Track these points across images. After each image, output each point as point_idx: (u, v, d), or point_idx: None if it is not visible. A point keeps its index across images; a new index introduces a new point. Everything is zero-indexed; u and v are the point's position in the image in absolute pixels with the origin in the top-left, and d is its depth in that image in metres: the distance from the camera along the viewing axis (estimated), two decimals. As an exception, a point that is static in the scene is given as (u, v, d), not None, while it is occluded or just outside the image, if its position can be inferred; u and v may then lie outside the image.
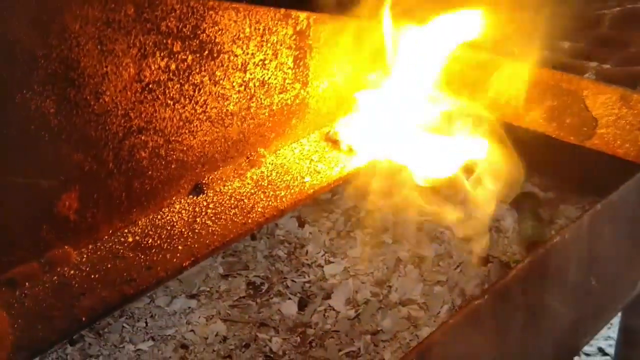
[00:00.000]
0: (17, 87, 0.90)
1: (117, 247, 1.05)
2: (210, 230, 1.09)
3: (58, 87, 0.94)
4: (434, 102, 1.33)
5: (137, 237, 1.07)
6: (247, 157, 1.20)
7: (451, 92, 1.31)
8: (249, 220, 1.10)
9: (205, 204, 1.14)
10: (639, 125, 1.15)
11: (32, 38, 0.90)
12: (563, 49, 1.35)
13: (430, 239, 1.79)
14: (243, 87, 1.16)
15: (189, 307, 1.61)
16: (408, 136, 1.31)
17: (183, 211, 1.13)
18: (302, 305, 1.60)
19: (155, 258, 1.03)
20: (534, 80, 1.24)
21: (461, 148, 1.36)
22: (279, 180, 1.20)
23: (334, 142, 1.28)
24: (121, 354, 1.54)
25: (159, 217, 1.11)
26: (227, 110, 1.15)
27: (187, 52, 1.06)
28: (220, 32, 1.09)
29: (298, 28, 1.19)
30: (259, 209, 1.13)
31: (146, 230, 1.08)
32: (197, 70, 1.08)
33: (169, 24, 1.02)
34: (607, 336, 2.66)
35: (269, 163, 1.24)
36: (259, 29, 1.14)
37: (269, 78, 1.19)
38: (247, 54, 1.14)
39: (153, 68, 1.03)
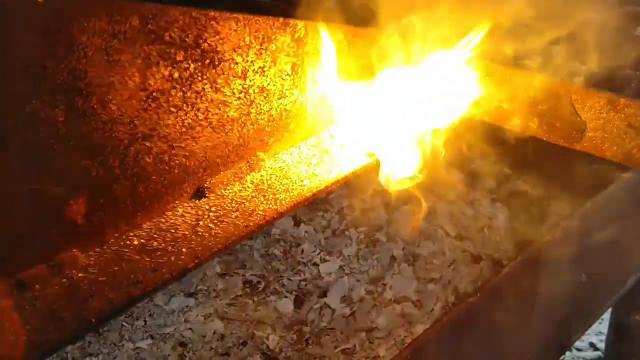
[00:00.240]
0: (28, 97, 0.94)
1: (123, 250, 1.08)
2: (212, 233, 1.13)
3: (67, 96, 0.98)
4: (426, 105, 1.38)
5: (142, 240, 1.10)
6: (247, 162, 1.24)
7: (444, 97, 1.35)
8: (250, 223, 1.13)
9: (207, 207, 1.17)
10: (626, 129, 1.18)
11: (41, 50, 0.93)
12: (553, 52, 1.39)
13: (423, 237, 1.82)
14: (243, 93, 1.19)
15: (187, 306, 1.64)
16: (398, 137, 1.35)
17: (186, 214, 1.16)
18: (298, 303, 1.64)
19: (160, 260, 1.07)
20: (525, 84, 1.28)
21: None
22: (278, 183, 1.23)
23: (332, 146, 1.32)
24: (120, 352, 1.57)
25: (163, 220, 1.14)
26: (228, 116, 1.18)
27: (190, 61, 1.09)
28: (221, 41, 1.12)
29: (296, 36, 1.23)
30: (260, 212, 1.17)
31: (151, 234, 1.11)
32: (199, 78, 1.11)
33: (172, 34, 1.06)
34: (599, 331, 2.70)
35: (269, 167, 1.27)
36: (258, 38, 1.17)
37: (268, 84, 1.22)
38: (247, 61, 1.17)
39: (157, 77, 1.06)
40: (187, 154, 1.15)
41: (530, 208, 1.87)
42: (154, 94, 1.07)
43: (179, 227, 1.14)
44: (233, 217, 1.16)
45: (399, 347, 1.56)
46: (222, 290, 1.70)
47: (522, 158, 1.86)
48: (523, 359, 1.66)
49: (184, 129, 1.13)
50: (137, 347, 1.59)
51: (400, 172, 1.39)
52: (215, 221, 1.15)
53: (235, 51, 1.15)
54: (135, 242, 1.10)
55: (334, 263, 1.75)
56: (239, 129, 1.21)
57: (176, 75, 1.08)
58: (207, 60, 1.12)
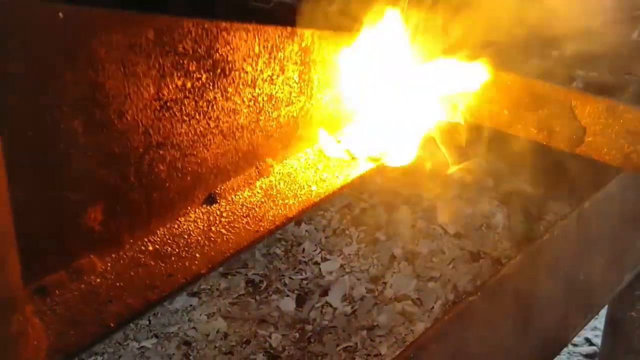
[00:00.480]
0: (49, 110, 0.98)
1: (138, 255, 1.12)
2: (225, 239, 1.17)
3: (85, 108, 1.02)
4: (430, 110, 1.42)
5: (157, 246, 1.14)
6: (257, 167, 1.28)
7: (447, 102, 1.40)
8: (261, 228, 1.18)
9: (218, 213, 1.22)
10: (624, 134, 1.23)
11: (62, 64, 0.98)
12: (551, 57, 1.44)
13: (423, 236, 1.87)
14: (252, 101, 1.24)
15: (191, 305, 1.65)
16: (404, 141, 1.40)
17: (198, 220, 1.20)
18: (300, 302, 1.65)
19: (175, 266, 1.11)
20: (525, 90, 1.33)
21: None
22: (287, 189, 1.28)
23: (338, 151, 1.37)
24: (125, 352, 1.58)
25: (176, 226, 1.18)
26: (238, 123, 1.23)
27: (202, 71, 1.14)
28: (232, 51, 1.17)
29: (303, 45, 1.28)
30: (270, 217, 1.21)
31: (165, 239, 1.16)
32: (211, 88, 1.16)
33: (185, 45, 1.10)
34: (594, 327, 2.77)
35: (277, 172, 1.31)
36: (267, 47, 1.22)
37: (277, 92, 1.27)
38: (257, 70, 1.22)
39: (171, 87, 1.11)
40: (199, 161, 1.20)
41: (528, 207, 1.92)
42: (168, 103, 1.12)
43: (191, 232, 1.18)
44: (244, 222, 1.21)
45: (400, 345, 1.56)
46: (225, 290, 1.72)
47: (520, 157, 1.91)
48: (522, 356, 1.72)
49: (196, 137, 1.18)
50: (142, 347, 1.60)
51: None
52: (227, 227, 1.19)
53: (245, 60, 1.20)
54: (150, 248, 1.14)
55: (334, 262, 1.77)
56: (249, 135, 1.25)
57: (189, 85, 1.13)
58: (219, 70, 1.16)
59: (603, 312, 2.26)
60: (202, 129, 1.17)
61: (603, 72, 1.37)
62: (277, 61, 1.24)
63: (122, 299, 1.05)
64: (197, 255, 1.13)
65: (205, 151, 1.20)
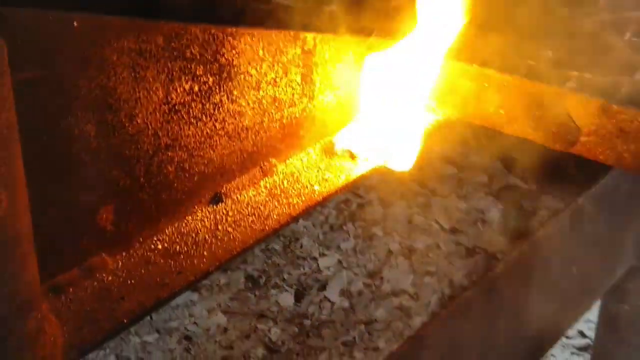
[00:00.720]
0: (63, 115, 1.03)
1: (148, 254, 1.17)
2: (231, 237, 1.22)
3: (97, 112, 1.07)
4: (427, 111, 1.47)
5: (166, 245, 1.19)
6: (261, 167, 1.32)
7: (442, 102, 1.45)
8: (266, 227, 1.23)
9: (224, 212, 1.26)
10: (617, 133, 1.28)
11: (76, 70, 1.03)
12: (546, 58, 1.49)
13: (419, 231, 1.91)
14: (257, 103, 1.28)
15: (191, 301, 1.69)
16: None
17: (205, 219, 1.25)
18: (298, 297, 1.65)
19: (184, 264, 1.16)
20: (521, 91, 1.38)
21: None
22: (291, 188, 1.32)
23: (338, 151, 1.42)
24: (127, 346, 1.61)
25: (184, 225, 1.23)
26: (243, 125, 1.27)
27: (209, 75, 1.18)
28: (237, 55, 1.22)
29: (305, 48, 1.32)
30: (274, 216, 1.26)
31: (173, 238, 1.20)
32: (217, 91, 1.20)
33: (193, 50, 1.15)
34: (587, 319, 2.83)
35: (280, 172, 1.35)
36: (271, 51, 1.26)
37: (280, 94, 1.31)
38: (261, 73, 1.27)
39: (179, 91, 1.15)
40: (206, 161, 1.24)
41: (522, 202, 1.96)
42: (176, 106, 1.16)
43: (199, 231, 1.23)
44: (249, 221, 1.25)
45: (398, 339, 1.57)
46: (225, 285, 1.77)
47: (514, 152, 1.95)
48: (517, 348, 1.77)
49: (202, 139, 1.22)
50: (144, 341, 1.62)
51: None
52: (233, 225, 1.24)
53: (250, 64, 1.24)
54: (159, 246, 1.19)
55: (332, 257, 1.80)
56: (253, 136, 1.30)
57: (196, 88, 1.18)
58: (225, 74, 1.21)
59: (596, 305, 2.31)
60: (208, 130, 1.22)
61: (597, 73, 1.42)
62: (280, 64, 1.28)
63: (134, 296, 1.10)
64: (205, 253, 1.18)
65: (212, 152, 1.24)
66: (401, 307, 1.67)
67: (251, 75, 1.25)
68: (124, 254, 1.17)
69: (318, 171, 1.37)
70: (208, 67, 1.18)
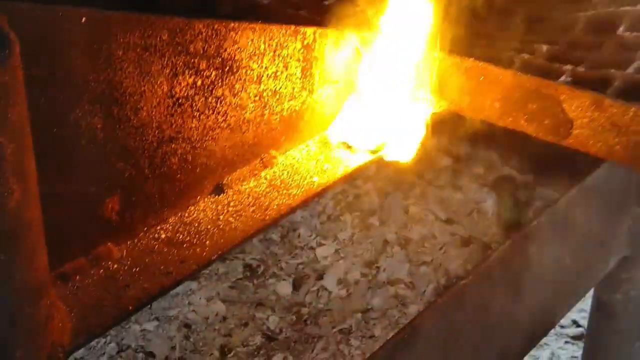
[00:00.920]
0: (71, 108, 1.07)
1: (152, 243, 1.21)
2: (232, 227, 1.25)
3: (104, 105, 1.11)
4: (424, 104, 1.51)
5: (169, 234, 1.23)
6: (261, 159, 1.36)
7: (439, 95, 1.48)
8: (266, 217, 1.26)
9: (226, 202, 1.30)
10: (609, 127, 1.31)
11: (84, 65, 1.06)
12: (541, 52, 1.52)
13: (415, 222, 1.94)
14: (258, 97, 1.32)
15: (190, 289, 1.72)
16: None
17: (207, 209, 1.28)
18: (296, 286, 1.73)
19: (186, 252, 1.20)
20: (516, 84, 1.42)
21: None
22: (290, 179, 1.36)
23: (337, 143, 1.46)
24: (128, 334, 1.65)
25: (186, 215, 1.26)
26: (244, 118, 1.31)
27: (211, 69, 1.22)
28: (239, 50, 1.25)
29: (305, 42, 1.35)
30: (274, 206, 1.29)
31: (176, 228, 1.24)
32: (219, 85, 1.24)
33: (197, 45, 1.19)
34: (581, 309, 2.88)
35: (280, 164, 1.39)
36: (272, 45, 1.30)
37: (280, 88, 1.35)
38: (262, 67, 1.30)
39: (182, 85, 1.19)
40: (208, 153, 1.28)
41: (517, 193, 2.00)
42: (180, 100, 1.20)
43: (201, 221, 1.26)
44: (250, 211, 1.29)
45: (394, 327, 1.63)
46: (224, 274, 1.78)
47: (509, 143, 1.99)
48: (511, 337, 1.82)
49: (205, 131, 1.26)
50: (144, 329, 1.67)
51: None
52: (235, 215, 1.27)
53: (251, 58, 1.28)
54: (163, 236, 1.22)
55: (329, 247, 1.84)
56: (254, 129, 1.34)
57: (199, 82, 1.22)
58: (227, 68, 1.25)
59: (589, 294, 2.36)
60: (211, 123, 1.26)
61: (590, 67, 1.45)
62: (281, 58, 1.32)
63: (139, 284, 1.14)
64: (207, 242, 1.22)
65: (214, 144, 1.28)
66: (397, 295, 1.72)
67: (252, 69, 1.29)
68: (128, 243, 1.21)
69: (317, 163, 1.40)
70: (211, 61, 1.22)
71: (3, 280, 0.91)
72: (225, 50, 1.24)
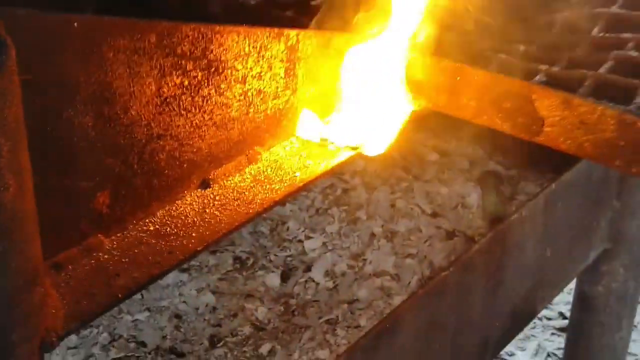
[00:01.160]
0: (65, 107, 1.14)
1: (141, 235, 1.26)
2: (218, 220, 1.31)
3: (95, 105, 1.17)
4: (402, 102, 1.57)
5: (157, 226, 1.28)
6: (246, 155, 1.42)
7: (417, 94, 1.55)
8: (250, 210, 1.32)
9: (212, 196, 1.36)
10: (578, 125, 1.38)
11: (76, 67, 1.13)
12: (518, 52, 1.59)
13: (401, 215, 1.98)
14: (243, 96, 1.38)
15: (181, 281, 1.79)
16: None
17: (194, 203, 1.34)
18: (284, 278, 1.79)
19: (173, 244, 1.25)
20: (491, 84, 1.48)
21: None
22: (274, 174, 1.41)
23: (319, 140, 1.52)
24: (120, 324, 1.72)
25: (174, 208, 1.32)
26: (230, 116, 1.37)
27: (198, 70, 1.28)
28: (224, 52, 1.31)
29: (289, 44, 1.42)
30: (258, 200, 1.35)
31: (164, 220, 1.30)
32: (205, 85, 1.31)
33: (183, 47, 1.25)
34: (567, 301, 2.93)
35: (265, 159, 1.45)
36: (256, 47, 1.36)
37: (264, 87, 1.41)
38: (247, 68, 1.37)
39: (170, 85, 1.26)
40: (195, 150, 1.34)
41: (501, 187, 2.07)
42: (167, 99, 1.26)
43: (188, 214, 1.32)
44: (235, 205, 1.34)
45: (379, 317, 1.69)
46: (214, 266, 1.85)
47: (494, 139, 2.06)
48: (492, 326, 1.88)
49: (192, 129, 1.32)
50: (136, 319, 1.74)
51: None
52: (220, 209, 1.33)
53: (236, 60, 1.34)
54: (151, 228, 1.28)
55: (317, 240, 1.90)
56: (239, 127, 1.40)
57: (186, 82, 1.28)
58: (213, 69, 1.31)
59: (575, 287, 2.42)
60: (197, 121, 1.32)
61: (564, 67, 1.52)
62: (265, 59, 1.38)
63: (128, 273, 1.20)
64: (194, 234, 1.28)
65: (200, 141, 1.34)
66: (382, 287, 1.78)
67: (237, 70, 1.35)
68: (118, 235, 1.26)
69: (300, 159, 1.46)
70: (197, 62, 1.28)
71: (1, 268, 0.97)
72: (211, 52, 1.30)
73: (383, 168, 2.09)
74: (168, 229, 1.31)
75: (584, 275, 2.26)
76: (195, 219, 1.33)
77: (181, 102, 1.30)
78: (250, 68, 1.39)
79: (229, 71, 1.35)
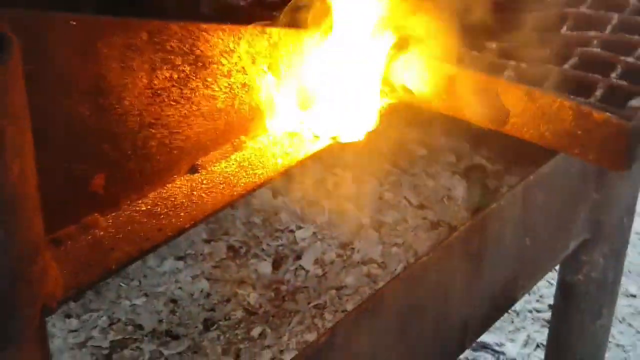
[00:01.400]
0: (64, 97, 1.26)
1: (134, 214, 1.38)
2: (204, 201, 1.43)
3: (92, 95, 1.29)
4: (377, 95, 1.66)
5: (149, 207, 1.40)
6: (232, 144, 1.53)
7: (392, 88, 1.67)
8: (234, 193, 1.45)
9: (199, 180, 1.47)
10: (540, 115, 1.53)
11: (74, 61, 1.26)
12: (491, 49, 1.73)
13: (389, 207, 2.06)
14: (228, 89, 1.49)
15: (177, 268, 1.89)
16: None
17: (183, 186, 1.45)
18: (276, 266, 1.88)
19: (163, 222, 1.37)
20: (463, 80, 1.60)
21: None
22: (257, 161, 1.52)
23: (300, 130, 1.61)
24: (118, 308, 1.81)
25: (164, 191, 1.43)
26: (216, 107, 1.48)
27: (186, 65, 1.40)
28: (211, 48, 1.43)
29: (271, 41, 1.54)
30: (242, 184, 1.47)
31: (155, 201, 1.41)
32: (193, 78, 1.42)
33: (172, 44, 1.37)
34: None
35: (249, 147, 1.55)
36: (240, 44, 1.48)
37: (249, 81, 1.53)
38: (232, 63, 1.48)
39: (160, 78, 1.37)
40: (184, 138, 1.46)
41: (486, 181, 2.19)
42: (158, 91, 1.39)
43: (177, 196, 1.44)
44: (220, 188, 1.46)
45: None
46: (208, 254, 1.95)
47: (480, 134, 2.19)
48: (472, 311, 1.98)
49: (181, 119, 1.44)
50: (133, 304, 1.84)
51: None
52: (206, 191, 1.46)
53: (222, 55, 1.47)
54: (143, 208, 1.40)
55: (308, 230, 2.01)
56: (225, 117, 1.52)
57: (175, 76, 1.41)
58: (200, 64, 1.43)
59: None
60: (186, 112, 1.44)
61: (532, 63, 1.66)
62: (249, 55, 1.49)
63: (122, 248, 1.31)
64: (182, 214, 1.39)
65: (189, 130, 1.45)
66: (369, 274, 1.89)
67: (223, 65, 1.47)
68: (113, 214, 1.38)
69: (281, 147, 1.58)
70: (185, 58, 1.41)
71: (6, 240, 1.06)
72: (198, 48, 1.42)
73: (373, 163, 2.17)
74: (159, 209, 1.42)
75: (565, 264, 2.38)
76: (184, 201, 1.44)
77: (171, 94, 1.42)
78: (235, 63, 1.50)
79: (215, 66, 1.47)
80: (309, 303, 1.84)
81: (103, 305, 1.85)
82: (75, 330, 1.81)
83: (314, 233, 2.02)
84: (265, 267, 1.93)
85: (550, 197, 2.10)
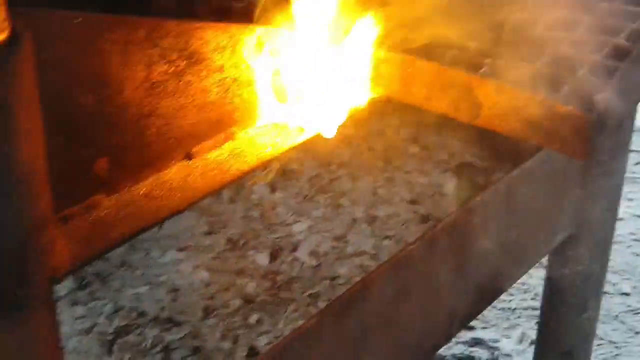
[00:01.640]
0: (68, 89, 1.40)
1: (133, 196, 1.51)
2: (198, 185, 1.56)
3: (95, 87, 1.43)
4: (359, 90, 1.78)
5: (147, 190, 1.53)
6: (224, 134, 1.67)
7: (374, 84, 1.80)
8: (226, 178, 1.60)
9: (194, 167, 1.60)
10: (509, 108, 1.70)
11: (77, 56, 1.41)
12: (469, 48, 1.89)
13: (382, 202, 2.22)
14: (221, 82, 1.63)
15: (178, 259, 2.07)
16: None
17: (178, 172, 1.58)
18: (273, 257, 2.07)
19: (160, 203, 1.51)
20: (439, 75, 1.75)
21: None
22: (247, 150, 1.66)
23: (287, 122, 1.75)
24: (123, 296, 2.00)
25: (161, 175, 1.56)
26: (209, 100, 1.61)
27: (181, 60, 1.54)
28: (204, 44, 1.57)
29: (259, 38, 1.69)
30: (232, 171, 1.61)
31: (153, 185, 1.54)
32: (188, 72, 1.56)
33: (168, 40, 1.51)
34: (552, 292, 3.19)
35: (240, 137, 1.69)
36: (232, 41, 1.63)
37: (240, 75, 1.66)
38: (224, 58, 1.62)
39: (157, 72, 1.50)
40: (179, 127, 1.59)
41: (476, 177, 2.34)
42: (155, 84, 1.52)
43: (173, 180, 1.58)
44: (213, 174, 1.61)
45: None
46: (208, 246, 2.11)
47: (471, 132, 2.34)
48: (458, 301, 2.03)
49: (176, 110, 1.58)
50: (137, 292, 2.01)
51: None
52: (200, 176, 1.60)
53: (215, 51, 1.61)
54: (142, 191, 1.54)
55: (304, 223, 2.18)
56: (218, 109, 1.65)
57: (171, 70, 1.54)
58: (194, 59, 1.57)
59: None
60: (181, 103, 1.56)
61: (508, 61, 1.82)
62: (240, 51, 1.64)
63: (122, 226, 1.46)
64: (177, 196, 1.54)
65: (184, 120, 1.58)
66: (362, 265, 2.06)
67: (215, 60, 1.61)
68: (115, 196, 1.52)
69: (271, 137, 1.72)
70: (181, 53, 1.54)
71: (17, 213, 1.19)
72: (192, 44, 1.56)
73: (367, 160, 2.34)
74: (156, 192, 1.56)
75: (552, 259, 2.50)
76: (179, 184, 1.58)
77: (167, 87, 1.55)
78: (227, 59, 1.64)
79: (208, 61, 1.61)
80: (303, 292, 2.00)
81: (108, 294, 2.01)
82: (82, 317, 1.97)
83: (310, 226, 2.19)
84: (263, 259, 2.10)
85: (534, 191, 2.21)
